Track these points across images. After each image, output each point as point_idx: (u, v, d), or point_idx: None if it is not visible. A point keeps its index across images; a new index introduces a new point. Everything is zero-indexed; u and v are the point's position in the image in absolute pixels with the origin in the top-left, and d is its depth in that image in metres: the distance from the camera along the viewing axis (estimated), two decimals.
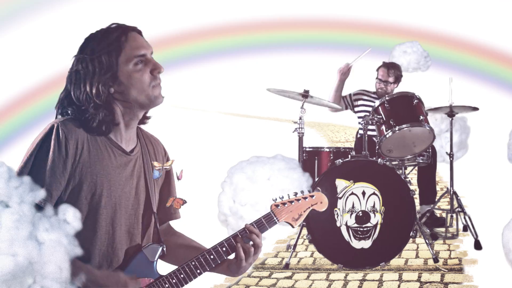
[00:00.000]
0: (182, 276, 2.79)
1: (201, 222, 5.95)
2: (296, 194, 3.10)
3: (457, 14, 10.56)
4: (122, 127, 2.78)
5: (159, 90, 2.76)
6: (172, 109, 14.27)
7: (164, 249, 2.86)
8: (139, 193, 2.84)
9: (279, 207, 3.01)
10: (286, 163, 5.59)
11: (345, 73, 7.45)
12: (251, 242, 2.89)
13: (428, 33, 10.29)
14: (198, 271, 2.82)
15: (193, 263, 2.81)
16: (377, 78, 7.71)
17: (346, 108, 7.75)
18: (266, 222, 2.97)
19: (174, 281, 2.78)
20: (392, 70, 7.71)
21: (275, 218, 2.99)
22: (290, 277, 5.99)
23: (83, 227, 2.34)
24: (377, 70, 7.74)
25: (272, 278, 5.99)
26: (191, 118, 15.52)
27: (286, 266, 6.22)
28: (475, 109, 7.03)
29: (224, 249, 2.86)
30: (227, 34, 11.13)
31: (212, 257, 2.84)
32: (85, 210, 2.64)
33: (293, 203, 3.06)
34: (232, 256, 2.90)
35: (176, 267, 2.83)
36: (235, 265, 2.88)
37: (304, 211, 3.08)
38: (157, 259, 2.83)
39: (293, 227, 3.07)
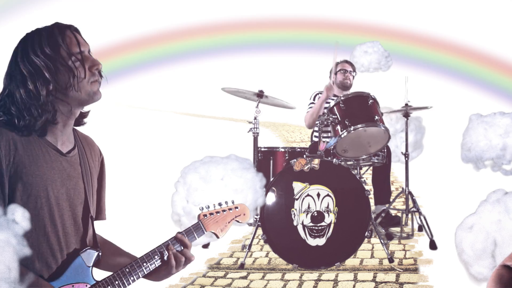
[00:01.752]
0: (116, 282, 2.77)
1: (154, 222, 5.91)
2: (220, 204, 3.17)
3: (416, 9, 10.61)
4: (59, 127, 2.75)
5: (98, 86, 2.77)
6: (128, 109, 14.20)
7: (100, 254, 2.83)
8: (77, 195, 2.81)
9: (206, 217, 3.08)
10: (240, 163, 5.57)
11: (331, 89, 7.45)
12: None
13: (386, 30, 10.32)
14: (132, 278, 2.81)
15: (127, 269, 2.81)
16: (339, 70, 7.74)
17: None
18: (194, 231, 3.03)
19: (117, 282, 2.77)
20: (349, 61, 7.95)
21: (203, 228, 3.05)
22: (245, 277, 5.98)
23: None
24: (336, 65, 7.77)
25: (227, 278, 5.98)
26: (147, 118, 15.46)
27: (241, 266, 6.21)
28: (428, 107, 7.05)
29: (157, 257, 2.88)
30: (182, 37, 11.12)
31: (145, 264, 2.85)
32: None
33: (219, 214, 3.13)
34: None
35: (109, 273, 2.82)
36: (165, 272, 2.91)
37: (229, 222, 3.16)
38: (93, 264, 2.80)
39: (217, 237, 3.08)
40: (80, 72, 2.70)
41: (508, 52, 9.88)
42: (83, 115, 2.91)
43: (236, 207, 3.18)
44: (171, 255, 2.87)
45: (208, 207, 3.11)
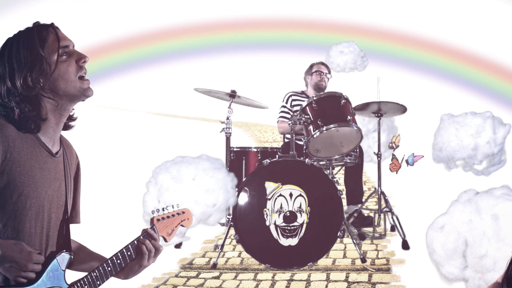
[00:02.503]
0: (91, 282, 2.78)
1: (126, 221, 5.89)
2: (168, 208, 3.17)
3: (391, 7, 10.62)
4: (52, 126, 2.75)
5: (88, 82, 2.77)
6: (100, 109, 14.12)
7: (72, 257, 2.81)
8: (59, 197, 2.80)
9: (159, 222, 3.07)
10: (211, 163, 5.57)
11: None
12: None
13: (361, 28, 10.33)
14: (103, 278, 2.82)
15: (98, 270, 2.81)
16: (315, 71, 7.75)
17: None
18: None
19: (86, 287, 2.76)
20: (325, 64, 7.93)
21: (156, 233, 3.03)
22: (217, 277, 5.96)
23: (7, 227, 2.55)
24: (311, 67, 7.79)
25: (200, 278, 5.95)
26: (119, 118, 15.38)
27: (214, 266, 6.19)
28: (403, 109, 7.06)
29: (129, 252, 2.88)
30: (155, 39, 11.10)
31: (119, 261, 2.86)
32: (10, 210, 2.60)
33: (169, 218, 3.13)
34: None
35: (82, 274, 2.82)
36: (136, 265, 2.90)
37: (176, 227, 3.16)
38: (66, 268, 2.78)
39: (166, 241, 3.10)
40: (66, 66, 2.71)
41: (484, 48, 9.92)
42: (71, 118, 2.90)
43: (183, 212, 3.19)
44: (141, 245, 2.87)
45: (158, 210, 3.10)
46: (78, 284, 2.74)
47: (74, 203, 3.00)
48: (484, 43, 9.91)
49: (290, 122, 6.32)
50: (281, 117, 7.75)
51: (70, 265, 2.81)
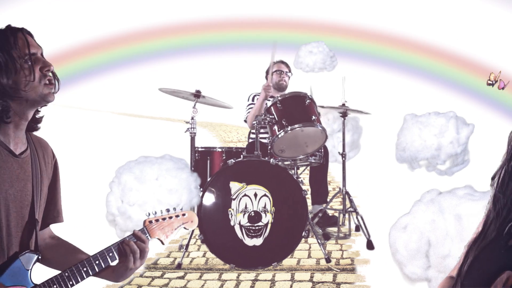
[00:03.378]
0: (64, 281, 2.75)
1: (89, 222, 5.86)
2: (168, 210, 3.14)
3: (358, 4, 10.65)
4: (11, 127, 2.76)
5: (50, 88, 2.78)
6: (65, 110, 14.06)
7: (40, 257, 2.79)
8: (24, 197, 2.78)
9: (152, 224, 3.05)
10: (174, 163, 5.55)
11: (269, 88, 7.43)
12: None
13: (324, 26, 10.34)
14: (77, 278, 2.78)
15: (74, 269, 2.78)
16: (275, 71, 7.74)
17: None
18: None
19: (55, 286, 2.73)
20: (285, 62, 7.92)
21: (147, 235, 3.01)
22: (182, 277, 5.95)
23: None
24: (272, 66, 7.77)
25: (165, 278, 5.93)
26: (84, 119, 15.34)
27: (179, 266, 6.19)
28: (366, 113, 7.10)
29: (110, 254, 2.86)
30: (121, 42, 11.08)
31: (97, 262, 2.83)
32: None
33: (165, 220, 3.10)
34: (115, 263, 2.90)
35: (57, 272, 2.78)
36: (122, 268, 2.88)
37: (175, 229, 3.13)
38: (32, 268, 2.75)
39: (163, 244, 3.07)
40: (30, 73, 2.72)
41: (453, 44, 9.98)
42: (37, 120, 2.91)
43: (184, 214, 3.15)
44: (125, 246, 2.86)
45: (155, 213, 3.08)
46: (47, 284, 2.72)
47: (55, 203, 3.02)
48: (452, 37, 9.97)
49: (255, 122, 6.31)
50: (248, 112, 7.74)
51: (49, 263, 2.83)
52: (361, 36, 10.52)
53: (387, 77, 10.53)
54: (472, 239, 2.45)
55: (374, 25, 10.44)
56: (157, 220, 3.05)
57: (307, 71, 8.45)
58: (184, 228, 3.14)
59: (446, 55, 10.16)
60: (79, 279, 2.78)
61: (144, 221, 3.03)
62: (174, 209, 3.16)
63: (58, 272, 2.79)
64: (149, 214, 3.06)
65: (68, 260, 2.91)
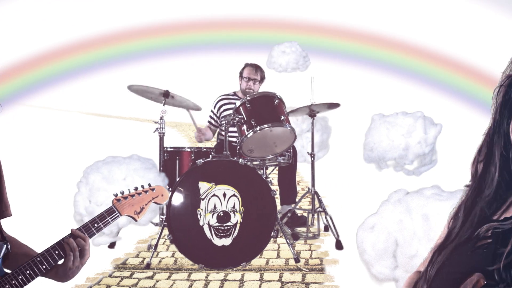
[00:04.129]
0: (20, 277, 2.73)
1: (56, 222, 5.83)
2: (136, 188, 3.15)
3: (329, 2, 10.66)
4: None
5: None
6: (34, 110, 13.97)
7: (9, 247, 2.79)
8: None
9: (120, 201, 3.05)
10: (142, 163, 5.55)
11: (201, 136, 7.51)
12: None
13: (291, 25, 10.35)
14: (30, 275, 2.76)
15: (25, 267, 2.76)
16: (243, 77, 7.71)
17: (220, 126, 7.78)
18: (108, 216, 2.99)
19: (13, 282, 2.72)
20: (259, 69, 7.80)
21: (117, 212, 3.01)
22: (151, 277, 5.93)
23: None
24: (242, 70, 7.75)
25: (133, 278, 5.92)
26: (53, 119, 15.25)
27: (148, 266, 6.16)
28: (336, 105, 7.08)
29: (57, 252, 2.82)
30: (91, 45, 11.07)
31: (42, 263, 2.80)
32: None
33: (134, 197, 3.10)
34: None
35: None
36: (62, 267, 2.85)
37: (146, 204, 3.13)
38: (1, 257, 2.75)
39: (135, 220, 3.08)
40: None
41: (424, 39, 10.01)
42: None
43: (153, 189, 3.15)
44: (65, 245, 2.82)
45: (123, 192, 3.08)
46: (11, 276, 2.71)
47: (1, 197, 2.97)
48: (428, 34, 10.01)
49: (224, 122, 6.31)
50: (208, 121, 7.78)
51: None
52: (332, 34, 10.54)
53: (357, 75, 10.56)
54: (440, 239, 2.45)
55: (347, 23, 10.46)
56: (125, 198, 3.05)
57: (280, 71, 8.46)
58: (155, 203, 3.15)
59: (423, 52, 10.20)
60: (39, 273, 2.77)
61: (112, 200, 3.03)
62: (142, 186, 3.16)
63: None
64: (116, 194, 3.06)
65: (17, 257, 2.90)
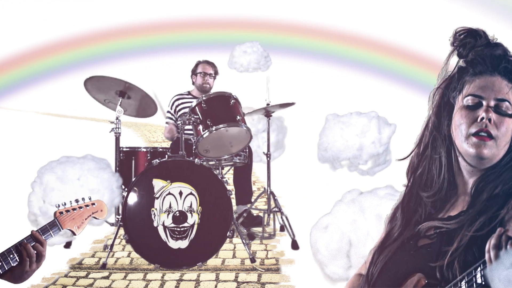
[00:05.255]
0: None
1: (10, 222, 5.79)
2: (77, 201, 3.17)
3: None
4: None
5: None
6: None
7: None
8: None
9: (63, 214, 3.07)
10: (96, 163, 5.53)
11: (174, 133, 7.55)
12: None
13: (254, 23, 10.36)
14: None
15: None
16: (199, 72, 7.72)
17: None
18: (50, 229, 3.00)
19: None
20: (212, 64, 7.86)
21: (59, 226, 3.03)
22: (107, 277, 5.91)
23: None
24: (195, 67, 7.77)
25: (89, 278, 5.89)
26: (7, 118, 15.11)
27: (103, 266, 6.13)
28: (290, 104, 7.09)
29: (11, 255, 2.82)
30: (49, 49, 11.02)
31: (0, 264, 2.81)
32: None
33: (75, 211, 3.12)
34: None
35: None
36: (18, 270, 2.84)
37: (86, 219, 3.17)
38: None
39: (74, 234, 3.07)
40: None
41: (383, 33, 10.04)
42: None
43: (93, 203, 3.18)
44: (23, 250, 2.81)
45: (65, 204, 3.09)
46: None
47: None
48: (388, 29, 10.05)
49: (180, 122, 6.30)
50: (166, 122, 7.77)
51: None
52: (291, 31, 10.56)
53: (315, 73, 10.57)
54: (381, 239, 2.48)
55: (307, 20, 10.48)
56: (67, 211, 3.06)
57: (241, 71, 8.47)
58: (94, 217, 3.16)
59: (381, 46, 10.24)
60: None
61: (55, 213, 3.04)
62: (83, 199, 3.17)
63: None
64: (59, 205, 3.07)
65: None
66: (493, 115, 2.17)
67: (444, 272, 2.05)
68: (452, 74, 2.35)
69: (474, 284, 1.87)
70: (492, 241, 1.80)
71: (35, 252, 2.85)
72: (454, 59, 2.35)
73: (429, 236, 2.22)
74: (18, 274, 2.83)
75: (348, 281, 2.63)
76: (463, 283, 1.92)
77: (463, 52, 2.31)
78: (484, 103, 2.19)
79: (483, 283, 1.84)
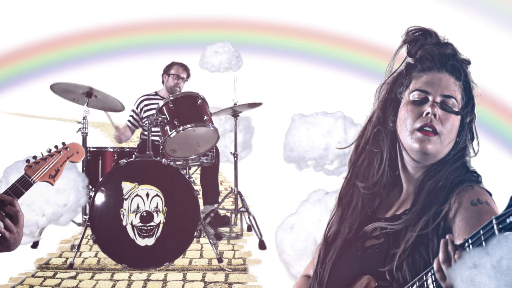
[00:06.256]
0: None
1: None
2: (49, 150, 3.08)
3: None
4: None
5: None
6: None
7: None
8: None
9: (32, 167, 2.98)
10: None
11: (120, 136, 7.55)
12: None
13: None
14: None
15: None
16: (172, 74, 7.73)
17: (140, 126, 7.78)
18: (21, 186, 2.91)
19: None
20: (186, 68, 7.85)
21: (29, 180, 2.94)
22: (74, 277, 5.90)
23: None
24: (169, 68, 7.77)
25: (57, 278, 5.87)
26: None
27: (71, 266, 6.11)
28: (258, 104, 7.11)
29: None
30: (21, 51, 10.99)
31: None
32: None
33: (47, 160, 3.03)
34: None
35: None
36: (3, 240, 2.75)
37: (61, 166, 3.07)
38: None
39: (52, 184, 3.00)
40: None
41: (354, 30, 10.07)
42: None
43: (66, 148, 3.08)
44: None
45: (36, 157, 3.01)
46: None
47: None
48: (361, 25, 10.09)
49: (147, 122, 6.29)
50: (128, 120, 7.75)
51: None
52: (260, 29, 10.56)
53: (282, 72, 10.60)
54: (325, 237, 2.47)
55: (277, 18, 10.49)
56: (37, 163, 2.98)
57: (212, 71, 8.47)
58: (71, 161, 3.08)
59: (353, 43, 10.27)
60: None
61: (25, 168, 2.96)
62: (56, 146, 3.09)
63: None
64: (28, 160, 2.99)
65: None
66: (438, 111, 2.16)
67: (394, 275, 2.04)
68: (400, 69, 2.35)
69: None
70: (440, 257, 1.75)
71: (10, 214, 2.73)
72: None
73: (376, 237, 2.21)
74: (4, 242, 2.74)
75: (295, 283, 2.62)
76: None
77: (412, 50, 2.31)
78: (430, 98, 2.18)
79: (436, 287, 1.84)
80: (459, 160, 2.22)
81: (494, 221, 1.58)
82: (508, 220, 1.57)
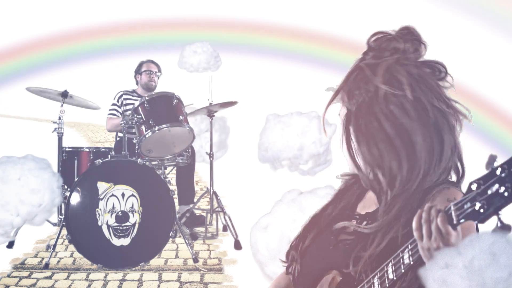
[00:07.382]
0: None
1: None
2: None
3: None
4: None
5: None
6: None
7: None
8: None
9: None
10: (37, 163, 5.46)
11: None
12: None
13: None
14: None
15: None
16: (144, 71, 7.73)
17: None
18: None
19: None
20: (155, 62, 7.89)
21: None
22: (50, 277, 5.88)
23: None
24: (140, 66, 7.78)
25: (32, 278, 5.86)
26: None
27: (46, 266, 6.09)
28: (232, 103, 7.12)
29: None
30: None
31: None
32: None
33: None
34: None
35: None
36: None
37: None
38: None
39: None
40: None
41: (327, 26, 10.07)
42: None
43: None
44: None
45: None
46: None
47: None
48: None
49: (122, 122, 6.29)
50: (110, 114, 7.69)
51: None
52: (238, 29, 10.57)
53: (258, 72, 10.60)
54: (300, 234, 2.48)
55: (249, 17, 10.49)
56: None
57: (191, 71, 8.46)
58: None
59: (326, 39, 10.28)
60: None
61: None
62: None
63: None
64: None
65: None
66: None
67: (360, 275, 2.04)
68: None
69: (386, 279, 1.90)
70: (423, 215, 1.76)
71: None
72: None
73: (348, 233, 2.19)
74: None
75: (273, 281, 2.61)
76: (375, 279, 1.95)
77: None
78: None
79: (394, 278, 1.87)
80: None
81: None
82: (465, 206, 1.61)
